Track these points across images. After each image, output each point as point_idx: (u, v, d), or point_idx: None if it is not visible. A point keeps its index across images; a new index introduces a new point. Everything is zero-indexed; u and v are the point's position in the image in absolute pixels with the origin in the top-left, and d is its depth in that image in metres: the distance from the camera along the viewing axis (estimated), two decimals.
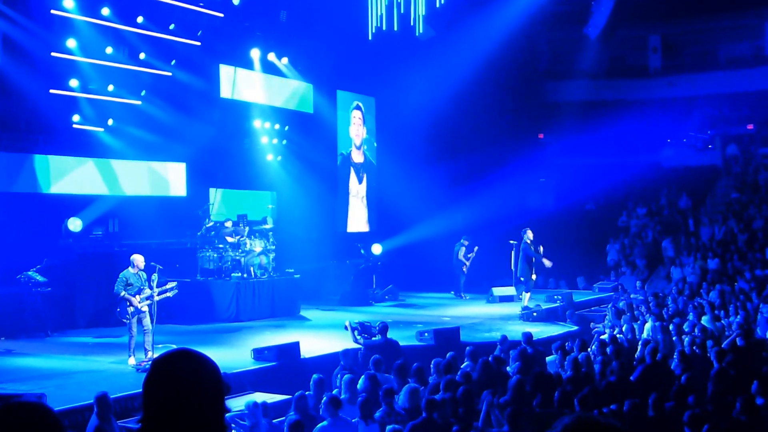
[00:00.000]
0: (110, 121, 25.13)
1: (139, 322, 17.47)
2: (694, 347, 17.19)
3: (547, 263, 26.44)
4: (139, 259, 17.67)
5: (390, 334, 18.25)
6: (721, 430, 11.21)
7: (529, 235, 26.34)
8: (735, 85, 41.19)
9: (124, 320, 17.46)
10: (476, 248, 29.78)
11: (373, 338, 18.11)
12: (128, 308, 17.32)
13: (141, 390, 2.98)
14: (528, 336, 18.09)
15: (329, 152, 33.66)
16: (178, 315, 22.75)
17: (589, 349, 17.56)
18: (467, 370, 15.26)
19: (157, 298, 17.72)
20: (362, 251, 31.60)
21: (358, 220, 35.39)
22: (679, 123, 43.09)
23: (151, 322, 17.56)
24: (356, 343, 17.95)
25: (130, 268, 17.59)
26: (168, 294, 18.04)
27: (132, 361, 17.36)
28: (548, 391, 13.04)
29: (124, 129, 25.39)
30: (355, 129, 35.24)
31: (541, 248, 26.41)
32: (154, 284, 17.72)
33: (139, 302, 17.34)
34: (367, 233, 34.76)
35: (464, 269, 30.80)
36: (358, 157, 35.28)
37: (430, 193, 33.99)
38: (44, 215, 23.39)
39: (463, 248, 30.81)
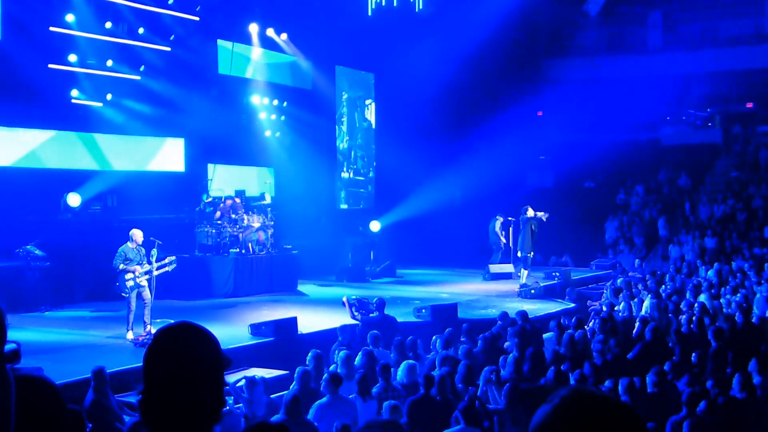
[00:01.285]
0: (109, 96, 25.06)
1: (139, 296, 17.54)
2: (691, 326, 17.23)
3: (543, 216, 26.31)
4: (137, 234, 17.70)
5: (387, 311, 18.27)
6: (718, 408, 11.25)
7: (529, 211, 26.30)
8: (735, 62, 41.05)
9: (123, 294, 17.52)
10: (512, 221, 29.18)
11: (371, 314, 18.12)
12: (127, 282, 17.37)
13: (140, 364, 2.98)
14: (523, 314, 18.12)
15: (327, 129, 33.60)
16: (176, 290, 22.75)
17: (586, 327, 17.61)
18: (467, 347, 15.31)
19: (156, 273, 17.79)
20: (360, 228, 31.60)
21: (356, 196, 35.36)
22: (679, 101, 43.06)
23: (151, 296, 17.66)
24: (353, 319, 17.97)
25: (128, 243, 17.62)
26: (167, 269, 18.10)
27: (130, 335, 17.40)
28: (545, 368, 13.09)
29: (122, 104, 25.33)
30: (359, 104, 35.24)
31: (544, 216, 26.17)
32: (153, 259, 17.75)
33: (138, 276, 17.39)
34: (365, 209, 34.74)
35: (501, 245, 30.70)
36: (357, 132, 35.24)
37: (429, 170, 33.94)
38: (43, 190, 23.35)
39: (499, 223, 30.70)
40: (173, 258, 18.45)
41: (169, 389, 2.92)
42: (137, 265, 17.45)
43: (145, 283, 17.57)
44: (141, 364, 3.01)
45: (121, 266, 17.37)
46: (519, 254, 26.93)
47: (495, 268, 29.63)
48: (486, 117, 36.81)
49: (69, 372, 13.43)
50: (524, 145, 39.17)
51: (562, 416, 2.12)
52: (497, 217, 30.74)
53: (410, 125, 34.80)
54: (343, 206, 34.62)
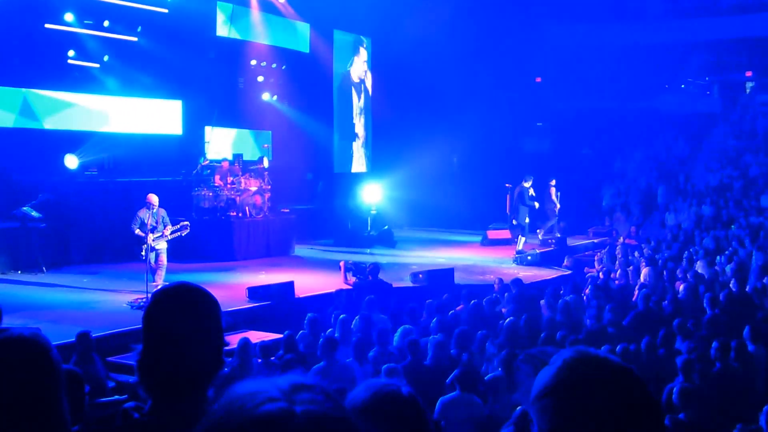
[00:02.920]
0: (105, 58, 24.94)
1: (157, 258, 17.90)
2: (687, 293, 17.23)
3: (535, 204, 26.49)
4: (153, 199, 17.98)
5: (384, 276, 18.31)
6: (712, 376, 11.27)
7: (528, 181, 26.39)
8: (735, 31, 40.89)
9: (142, 255, 17.82)
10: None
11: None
12: (143, 246, 17.68)
13: (138, 326, 2.98)
14: (518, 281, 18.15)
15: (325, 92, 33.48)
16: (172, 254, 22.67)
17: (582, 294, 17.63)
18: (462, 313, 15.35)
19: (169, 237, 18.13)
20: (358, 192, 31.59)
21: (354, 160, 35.31)
22: (678, 69, 42.92)
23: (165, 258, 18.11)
24: (345, 283, 18.01)
25: (144, 208, 17.91)
26: (181, 233, 18.32)
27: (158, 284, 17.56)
28: (539, 333, 13.11)
29: (119, 66, 25.22)
30: (357, 68, 35.10)
31: (555, 192, 26.31)
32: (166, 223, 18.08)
33: (153, 240, 17.64)
34: (363, 174, 34.70)
35: (556, 210, 30.73)
36: (355, 96, 35.15)
37: (426, 135, 33.87)
38: (40, 151, 23.28)
39: (553, 189, 30.72)
40: (186, 223, 18.67)
41: (168, 349, 2.90)
42: (151, 231, 17.65)
43: (161, 245, 17.94)
44: (139, 326, 2.99)
45: (137, 231, 17.71)
46: (514, 222, 26.97)
47: (493, 233, 29.63)
48: (484, 82, 36.68)
49: (66, 333, 13.42)
50: (522, 112, 39.13)
51: (566, 378, 2.11)
52: (551, 182, 30.79)
53: (407, 90, 34.71)
54: (341, 170, 34.55)
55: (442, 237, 32.01)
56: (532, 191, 26.58)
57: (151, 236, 17.62)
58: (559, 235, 29.24)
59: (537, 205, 28.59)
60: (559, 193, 29.83)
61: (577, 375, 2.11)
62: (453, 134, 35.36)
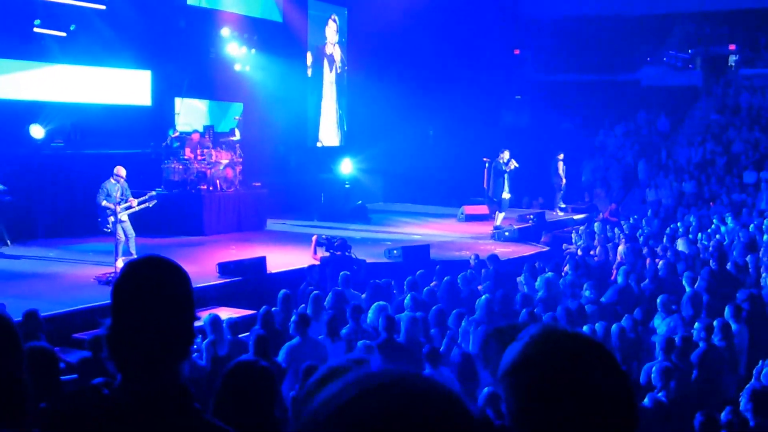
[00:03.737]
0: (72, 27, 24.73)
1: (125, 230, 18.09)
2: (667, 271, 17.32)
3: (506, 195, 26.64)
4: (122, 171, 18.13)
5: (358, 251, 18.32)
6: (697, 355, 11.36)
7: (505, 155, 26.41)
8: (719, 3, 40.96)
9: (105, 229, 17.96)
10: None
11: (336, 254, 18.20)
12: (109, 218, 17.73)
13: (105, 301, 2.98)
14: (494, 258, 18.24)
15: (299, 64, 33.33)
16: (141, 228, 22.63)
17: (561, 271, 17.70)
18: (438, 289, 15.39)
19: (136, 208, 18.25)
20: (332, 166, 31.54)
21: (328, 134, 35.24)
22: (660, 41, 42.95)
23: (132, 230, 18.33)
24: (313, 258, 18.04)
25: (111, 179, 18.06)
26: (147, 204, 18.36)
27: (120, 263, 17.49)
28: (517, 311, 13.19)
29: (87, 34, 24.99)
30: (329, 39, 34.98)
31: (512, 163, 26.38)
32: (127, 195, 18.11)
33: (120, 212, 17.69)
34: (337, 147, 34.66)
35: (562, 184, 30.77)
36: (329, 68, 35.05)
37: (402, 108, 33.83)
38: (5, 122, 23.09)
39: (561, 163, 30.79)
40: (154, 194, 18.76)
41: (138, 323, 2.90)
42: (117, 204, 17.64)
43: (125, 218, 18.03)
44: (107, 301, 2.99)
45: (104, 202, 17.82)
46: (495, 199, 27.03)
47: (470, 209, 29.72)
48: (461, 54, 36.64)
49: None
50: (500, 84, 39.13)
51: (532, 354, 2.10)
52: (559, 155, 30.75)
53: (383, 62, 34.64)
54: (315, 144, 34.49)
55: (418, 212, 32.05)
56: (513, 163, 26.53)
57: (118, 207, 17.64)
58: (563, 206, 29.78)
59: (563, 180, 28.90)
60: (564, 168, 30.14)
61: (544, 351, 2.09)
62: (429, 107, 35.37)
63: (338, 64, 35.48)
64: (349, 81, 35.74)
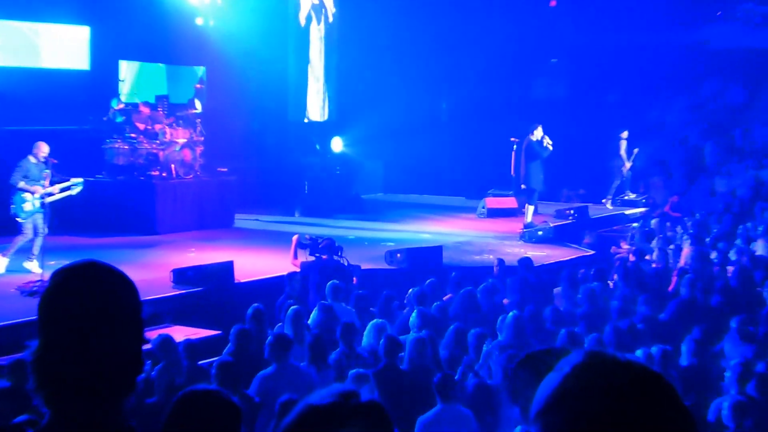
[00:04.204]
0: None
1: (33, 224, 17.96)
2: (741, 280, 17.29)
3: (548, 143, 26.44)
4: (43, 147, 18.08)
5: (351, 255, 18.28)
6: None
7: (538, 131, 26.30)
8: None
9: (18, 219, 17.91)
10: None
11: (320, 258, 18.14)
12: (25, 205, 17.77)
13: (32, 317, 2.92)
14: (526, 262, 18.20)
15: (278, 18, 33.21)
16: (76, 224, 22.63)
17: (608, 281, 17.68)
18: (452, 304, 15.36)
19: (58, 196, 18.12)
20: (318, 147, 31.52)
21: (313, 106, 35.18)
22: None
23: (45, 226, 18.03)
24: (293, 263, 17.99)
25: (30, 157, 18.02)
26: (71, 192, 18.32)
27: (4, 261, 17.52)
28: (554, 331, 13.15)
29: None
30: None
31: (546, 140, 26.28)
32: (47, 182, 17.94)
33: (41, 197, 17.70)
34: (324, 123, 34.61)
35: (624, 170, 30.69)
36: (316, 19, 34.98)
37: (406, 75, 33.81)
38: None
39: (624, 142, 30.69)
40: (80, 180, 18.60)
41: (72, 345, 2.86)
42: (38, 185, 17.63)
43: (41, 208, 17.95)
44: (32, 317, 2.94)
45: (21, 183, 17.80)
46: (523, 186, 26.98)
47: (493, 202, 29.69)
48: (482, 8, 36.59)
49: None
50: (531, 45, 39.00)
51: (574, 387, 2.08)
52: (621, 133, 30.68)
53: (384, 18, 34.55)
54: (297, 118, 34.43)
55: (427, 205, 32.09)
56: (547, 141, 26.42)
57: (40, 190, 17.67)
58: (632, 196, 29.74)
59: (628, 164, 28.85)
60: (636, 150, 30.11)
61: (588, 383, 2.07)
62: (442, 74, 35.30)
63: (329, 12, 35.31)
64: (342, 38, 35.61)
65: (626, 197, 30.46)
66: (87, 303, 2.88)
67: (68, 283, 2.93)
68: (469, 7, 36.23)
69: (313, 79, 35.04)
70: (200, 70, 30.61)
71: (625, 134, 30.76)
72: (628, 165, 30.98)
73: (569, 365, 2.11)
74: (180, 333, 14.10)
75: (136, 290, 3.00)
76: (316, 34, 35.08)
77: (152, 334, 13.02)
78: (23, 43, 25.90)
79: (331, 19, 35.41)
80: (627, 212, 30.69)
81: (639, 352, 11.97)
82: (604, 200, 30.64)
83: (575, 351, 2.20)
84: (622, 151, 30.57)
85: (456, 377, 11.47)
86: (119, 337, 2.91)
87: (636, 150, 31.17)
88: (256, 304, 14.22)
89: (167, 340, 11.90)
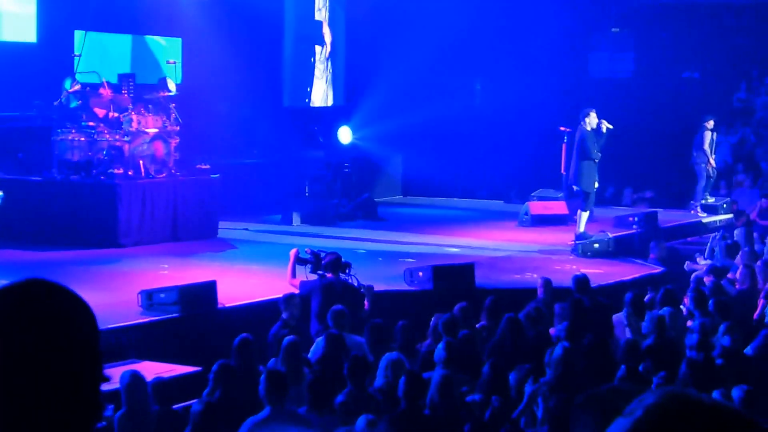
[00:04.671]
0: None
1: None
2: None
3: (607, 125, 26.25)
4: None
5: (362, 272, 18.26)
6: None
7: (592, 119, 26.14)
8: None
9: None
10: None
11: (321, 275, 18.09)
12: None
13: None
14: (581, 281, 18.17)
15: None
16: (18, 234, 22.70)
17: (681, 305, 17.67)
18: (484, 333, 15.38)
19: None
20: (321, 138, 31.55)
21: (317, 87, 35.19)
22: None
23: None
24: (290, 284, 17.97)
25: None
26: None
27: None
28: (614, 367, 13.18)
29: None
30: None
31: (605, 125, 26.10)
32: None
33: None
34: (329, 109, 34.63)
35: (708, 167, 30.68)
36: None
37: (430, 52, 33.78)
38: None
39: (709, 133, 30.62)
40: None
41: (14, 383, 2.86)
42: None
43: None
44: None
45: None
46: (575, 187, 26.91)
47: (538, 206, 29.60)
48: None
49: None
50: (586, 12, 38.96)
51: None
52: (706, 122, 30.59)
53: None
54: (295, 103, 34.44)
55: (456, 210, 32.08)
56: (606, 125, 26.26)
57: None
58: (710, 200, 29.68)
59: (713, 161, 28.76)
60: (716, 141, 30.02)
61: (667, 429, 2.10)
62: (474, 49, 35.25)
63: None
64: (349, 8, 35.61)
65: (704, 201, 30.27)
66: (32, 331, 2.81)
67: (8, 308, 2.85)
68: None
69: (316, 55, 35.02)
70: (174, 43, 30.65)
71: (710, 123, 30.56)
72: (712, 162, 30.83)
73: (641, 408, 2.13)
74: (149, 370, 14.11)
75: (93, 316, 2.93)
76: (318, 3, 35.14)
77: (114, 371, 13.07)
78: None
79: None
80: (705, 220, 30.59)
81: (719, 394, 11.99)
82: (693, 211, 30.49)
83: (648, 391, 2.22)
84: (706, 145, 30.43)
85: (492, 424, 11.52)
86: (72, 373, 2.84)
87: (711, 134, 30.90)
88: (243, 335, 14.25)
89: (134, 377, 11.91)
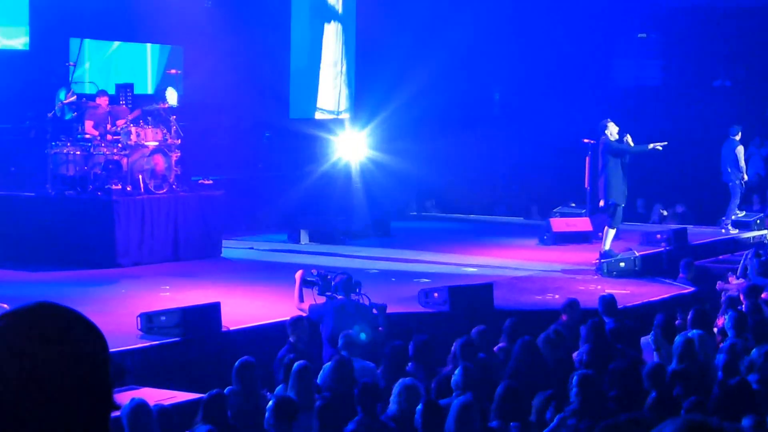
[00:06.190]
0: None
1: None
2: None
3: (658, 146, 26.16)
4: None
5: (374, 293, 18.25)
6: None
7: (612, 128, 26.12)
8: None
9: None
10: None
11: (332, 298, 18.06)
12: None
13: None
14: (608, 301, 18.15)
15: None
16: (12, 254, 22.73)
17: (714, 327, 17.65)
18: (503, 356, 15.38)
19: None
20: (330, 151, 31.55)
21: (326, 97, 35.17)
22: None
23: None
24: (299, 308, 17.95)
25: None
26: None
27: None
28: (642, 393, 13.16)
29: None
30: None
31: (628, 139, 26.08)
32: None
33: None
34: (339, 122, 34.62)
35: (740, 182, 30.65)
36: None
37: (445, 59, 33.78)
38: None
39: (741, 147, 30.58)
40: None
41: (22, 408, 2.84)
42: None
43: None
44: None
45: None
46: (601, 202, 26.87)
47: (561, 223, 29.59)
48: None
49: None
50: (612, 15, 38.96)
51: None
52: (735, 133, 30.56)
53: None
54: (302, 115, 34.47)
55: (473, 226, 32.08)
56: (627, 140, 26.27)
57: None
58: (741, 215, 29.55)
59: (744, 175, 28.75)
60: (744, 154, 29.96)
61: None
62: (493, 56, 35.26)
63: None
64: (362, 6, 35.60)
65: (735, 217, 30.21)
66: (38, 358, 2.79)
67: (17, 332, 2.83)
68: None
69: (326, 63, 35.04)
70: (174, 52, 30.69)
71: (738, 135, 30.50)
72: (745, 176, 30.78)
73: None
74: (150, 396, 14.09)
75: (103, 341, 2.93)
76: (331, 4, 35.15)
77: (118, 397, 13.09)
78: None
79: None
80: (741, 236, 30.52)
81: (750, 423, 11.98)
82: (723, 229, 30.45)
83: (670, 419, 2.24)
84: (743, 162, 30.35)
85: None
86: (81, 402, 2.83)
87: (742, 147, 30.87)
88: (244, 357, 14.24)
89: (141, 406, 11.87)
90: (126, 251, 24.45)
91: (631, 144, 25.96)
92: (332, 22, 35.28)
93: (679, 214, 33.66)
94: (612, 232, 26.35)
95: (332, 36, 35.31)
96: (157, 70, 30.23)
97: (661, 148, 25.67)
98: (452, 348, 15.50)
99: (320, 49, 34.92)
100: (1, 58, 26.68)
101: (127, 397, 12.70)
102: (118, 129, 25.14)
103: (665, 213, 34.10)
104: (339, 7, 35.40)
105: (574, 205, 30.63)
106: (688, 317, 17.72)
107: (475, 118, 35.48)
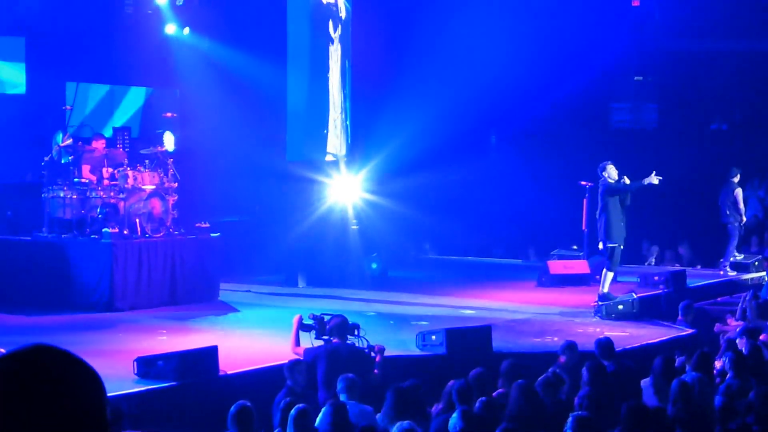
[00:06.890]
0: None
1: None
2: None
3: (654, 180, 26.11)
4: None
5: (371, 336, 18.21)
6: None
7: (611, 171, 26.11)
8: None
9: None
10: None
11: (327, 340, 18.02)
12: None
13: None
14: (605, 344, 18.12)
15: (272, 24, 33.25)
16: (7, 297, 22.69)
17: (713, 369, 17.61)
18: (501, 400, 15.34)
19: None
20: (326, 193, 31.56)
21: (322, 141, 35.17)
22: None
23: None
24: (294, 352, 17.90)
25: None
26: None
27: None
28: None
29: None
30: None
31: (626, 180, 26.07)
32: None
33: None
34: (335, 164, 34.64)
35: (738, 224, 30.64)
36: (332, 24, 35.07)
37: (441, 101, 33.78)
38: None
39: (740, 190, 30.58)
40: None
41: None
42: None
43: None
44: None
45: None
46: (600, 245, 26.86)
47: (559, 265, 29.56)
48: (544, 9, 36.66)
49: None
50: (607, 58, 39.00)
51: None
52: (734, 175, 30.56)
53: (410, 20, 34.63)
54: (299, 158, 34.48)
55: (471, 269, 32.08)
56: (626, 180, 26.27)
57: None
58: (740, 257, 29.51)
59: (743, 216, 28.74)
60: (742, 196, 29.95)
61: None
62: (489, 98, 35.29)
63: (343, 14, 35.22)
64: (356, 47, 35.60)
65: (733, 259, 30.19)
66: (35, 401, 2.82)
67: (15, 376, 2.86)
68: (528, 8, 36.32)
69: (331, 102, 34.99)
70: (170, 95, 30.68)
71: (737, 177, 30.50)
72: (744, 219, 30.79)
73: None
74: None
75: (101, 384, 2.97)
76: (330, 46, 35.15)
77: None
78: None
79: (343, 18, 35.41)
80: (742, 277, 30.52)
81: None
82: (722, 271, 30.41)
83: None
84: (742, 204, 30.37)
85: None
86: None
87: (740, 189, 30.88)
88: (241, 402, 14.20)
89: None
90: (123, 295, 24.40)
91: (626, 180, 25.96)
92: (330, 63, 35.30)
93: (679, 255, 33.61)
94: (610, 275, 26.31)
95: (334, 75, 35.31)
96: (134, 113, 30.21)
97: (657, 182, 25.61)
98: (445, 390, 15.47)
99: (319, 91, 34.90)
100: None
101: None
102: (116, 173, 25.12)
103: (655, 256, 34.07)
104: (337, 55, 35.43)
105: (576, 247, 30.59)
106: (691, 360, 17.69)
107: (472, 160, 35.46)
